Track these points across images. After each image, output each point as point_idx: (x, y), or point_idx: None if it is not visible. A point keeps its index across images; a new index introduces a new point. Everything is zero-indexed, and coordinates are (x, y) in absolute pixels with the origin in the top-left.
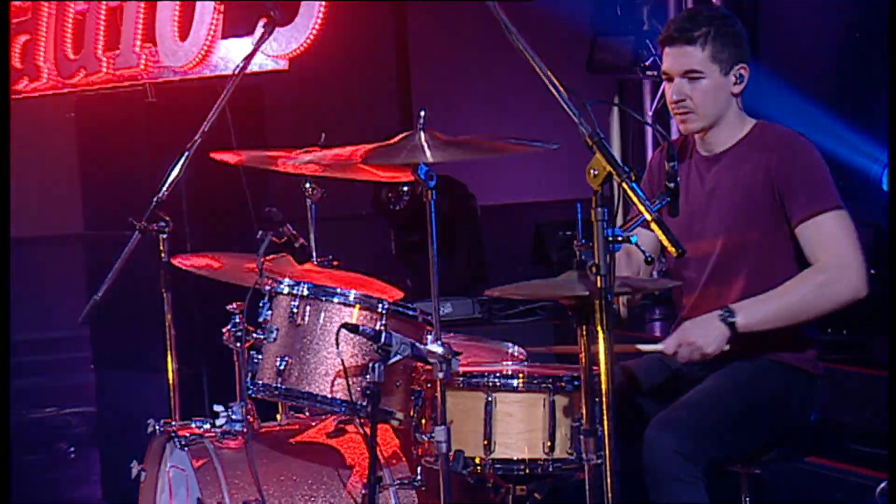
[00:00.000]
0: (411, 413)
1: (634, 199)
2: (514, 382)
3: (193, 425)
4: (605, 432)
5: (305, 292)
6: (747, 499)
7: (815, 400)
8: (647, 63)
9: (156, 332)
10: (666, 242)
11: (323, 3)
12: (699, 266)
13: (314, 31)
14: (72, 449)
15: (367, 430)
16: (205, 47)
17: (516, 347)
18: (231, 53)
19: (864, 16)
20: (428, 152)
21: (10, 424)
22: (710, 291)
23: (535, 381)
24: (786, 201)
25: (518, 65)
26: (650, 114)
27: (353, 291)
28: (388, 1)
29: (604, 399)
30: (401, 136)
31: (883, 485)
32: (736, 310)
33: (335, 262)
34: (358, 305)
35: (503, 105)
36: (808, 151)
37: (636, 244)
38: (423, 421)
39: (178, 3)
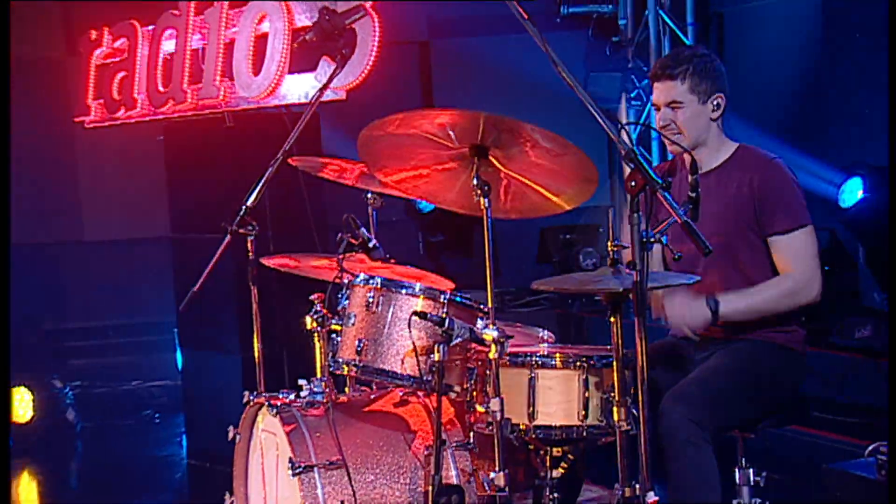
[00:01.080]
0: (465, 386)
1: (667, 205)
2: (553, 361)
3: (281, 396)
4: (641, 403)
5: (379, 284)
6: (742, 459)
7: (802, 376)
8: (632, 95)
9: (232, 319)
10: (696, 242)
11: (376, 44)
12: (692, 265)
13: (367, 67)
14: (157, 415)
15: (432, 401)
16: (274, 81)
17: (546, 331)
18: (291, 87)
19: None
20: None
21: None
22: (700, 285)
23: (571, 360)
24: (762, 215)
25: (531, 99)
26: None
27: (419, 284)
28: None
29: (639, 374)
30: None
31: (872, 446)
32: (719, 300)
33: (391, 260)
34: (422, 295)
35: None
36: (784, 173)
37: (667, 244)
38: (475, 393)
39: (251, 45)
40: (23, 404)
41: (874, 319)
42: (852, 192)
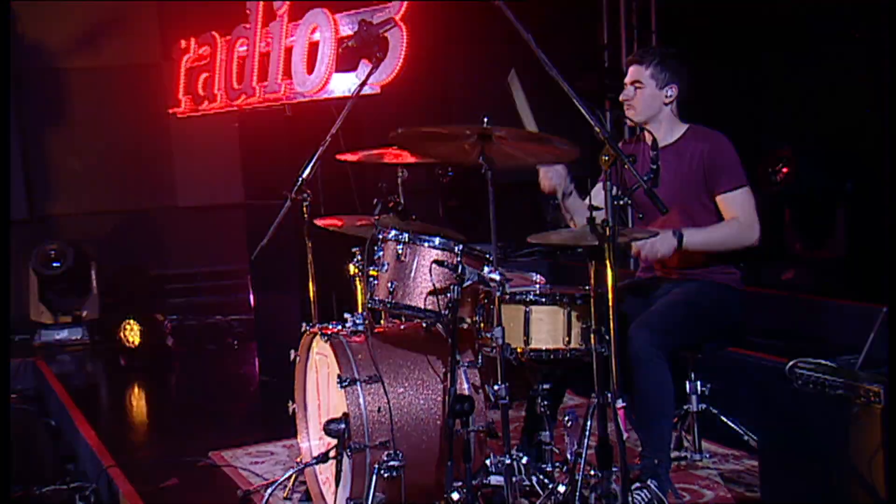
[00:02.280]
0: (474, 319)
1: (635, 175)
2: (543, 299)
3: (330, 326)
4: (612, 330)
5: (406, 239)
6: (692, 374)
7: (739, 308)
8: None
9: (292, 267)
10: (655, 204)
11: (404, 49)
12: (655, 220)
13: (398, 67)
14: (236, 342)
15: (449, 330)
16: (324, 79)
17: (539, 276)
18: (336, 84)
19: None
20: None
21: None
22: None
23: (557, 298)
24: (711, 179)
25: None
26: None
27: (438, 237)
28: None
29: (611, 309)
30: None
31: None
32: (683, 232)
33: (413, 218)
34: (441, 247)
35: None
36: (727, 144)
37: (632, 205)
38: (483, 324)
39: (306, 50)
40: (133, 333)
41: (795, 265)
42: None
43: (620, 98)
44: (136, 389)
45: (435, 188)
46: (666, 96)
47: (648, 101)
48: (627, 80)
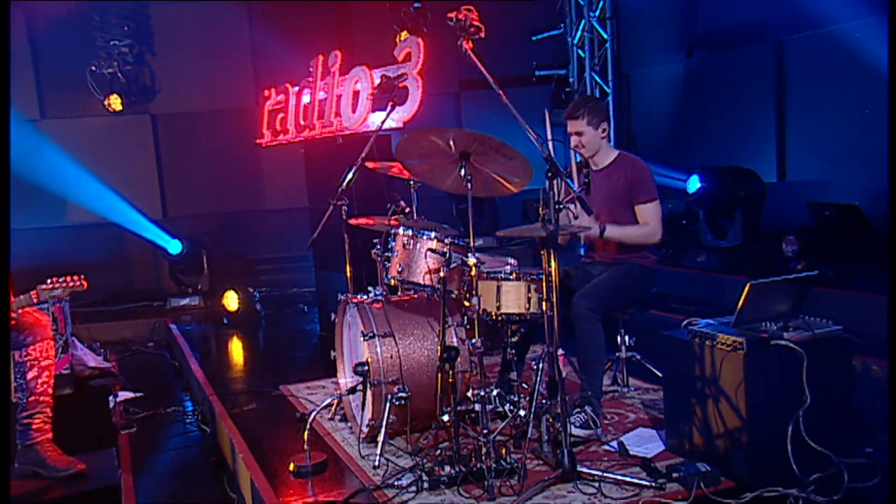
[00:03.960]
0: (461, 290)
1: (570, 187)
2: (512, 276)
3: (358, 296)
4: (555, 299)
5: (410, 233)
6: (622, 330)
7: (654, 282)
8: None
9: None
10: (584, 208)
11: (419, 95)
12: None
13: (415, 109)
14: (304, 307)
15: (441, 299)
16: (363, 116)
17: (513, 259)
18: (372, 119)
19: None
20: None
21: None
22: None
23: (521, 275)
24: (632, 192)
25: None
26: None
27: (434, 231)
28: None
29: (554, 284)
30: None
31: (686, 321)
32: (606, 226)
33: (416, 218)
34: (436, 239)
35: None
36: (644, 167)
37: (570, 209)
38: (467, 295)
39: (351, 96)
40: (232, 301)
41: (706, 251)
42: (693, 183)
43: (572, 145)
44: (233, 341)
45: (447, 195)
46: (602, 132)
47: (591, 141)
48: (571, 131)
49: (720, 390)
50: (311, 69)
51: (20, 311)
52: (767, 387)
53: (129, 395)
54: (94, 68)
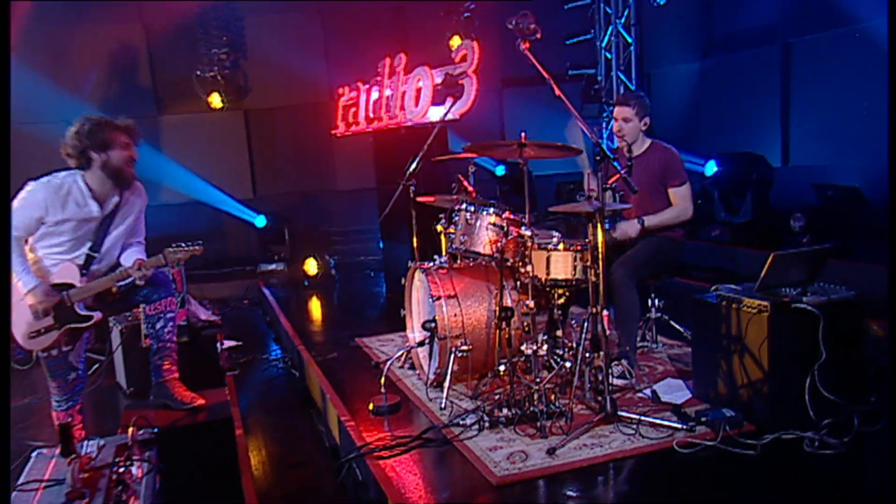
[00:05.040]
0: (516, 259)
1: (616, 168)
2: (560, 246)
3: (425, 263)
4: (601, 268)
5: (472, 208)
6: (652, 294)
7: (683, 252)
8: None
9: (405, 225)
10: (629, 187)
11: (473, 91)
12: (630, 199)
13: (470, 102)
14: (371, 273)
15: (499, 266)
16: (425, 110)
17: (557, 233)
18: (432, 113)
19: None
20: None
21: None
22: (636, 211)
23: (569, 246)
24: (665, 177)
25: (560, 118)
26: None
27: (492, 208)
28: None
29: (601, 254)
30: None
31: (714, 286)
32: (644, 218)
33: (476, 195)
34: (494, 213)
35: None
36: (675, 154)
37: (614, 189)
38: (520, 263)
39: (414, 92)
40: (311, 266)
41: (720, 226)
42: (711, 167)
43: (614, 129)
44: (313, 300)
45: (493, 178)
46: (643, 126)
47: (633, 130)
48: (617, 115)
49: (745, 347)
50: (379, 69)
51: (150, 269)
52: (787, 344)
53: (232, 343)
54: (198, 72)
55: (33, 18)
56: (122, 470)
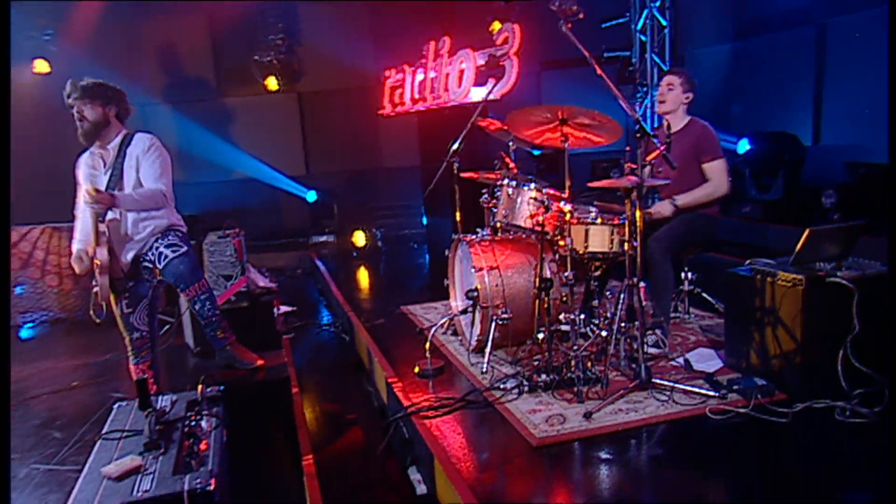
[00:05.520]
0: (555, 233)
1: (655, 144)
2: (598, 220)
3: (468, 236)
4: (640, 241)
5: (514, 184)
6: (685, 268)
7: (717, 228)
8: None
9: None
10: (668, 163)
11: (514, 73)
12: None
13: (511, 83)
14: (415, 245)
15: (539, 239)
16: (467, 90)
17: (595, 208)
18: (475, 93)
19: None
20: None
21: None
22: (672, 188)
23: (605, 220)
24: (700, 153)
25: (599, 97)
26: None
27: (533, 184)
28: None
29: (639, 228)
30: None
31: (749, 261)
32: (676, 198)
33: (517, 172)
34: (535, 188)
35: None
36: (710, 130)
37: (653, 164)
38: (560, 236)
39: (457, 73)
40: (359, 238)
41: (751, 203)
42: (743, 145)
43: (658, 93)
44: (361, 270)
45: (531, 157)
46: (686, 98)
47: (675, 98)
48: (663, 83)
49: (778, 319)
50: (424, 52)
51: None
52: (821, 317)
53: (287, 309)
54: (256, 57)
55: (105, 14)
56: (192, 424)
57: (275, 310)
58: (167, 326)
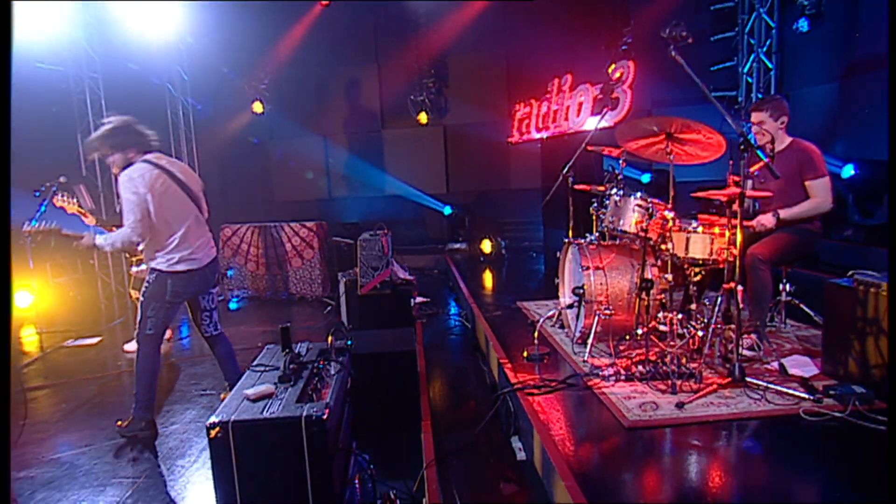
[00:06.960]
0: (658, 239)
1: (761, 156)
2: (700, 230)
3: (578, 240)
4: (739, 252)
5: (621, 192)
6: (784, 280)
7: (818, 243)
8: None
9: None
10: (772, 173)
11: (627, 104)
12: (770, 187)
13: (625, 112)
14: (534, 254)
15: (643, 244)
16: (585, 120)
17: (696, 219)
18: (590, 122)
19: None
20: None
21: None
22: (774, 204)
23: (708, 229)
24: (803, 171)
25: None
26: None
27: (639, 193)
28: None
29: (740, 234)
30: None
31: (850, 272)
32: (779, 212)
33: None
34: (641, 197)
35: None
36: (814, 149)
37: (757, 175)
38: (662, 242)
39: (577, 105)
40: (486, 246)
41: (853, 227)
42: (847, 170)
43: (753, 132)
44: (486, 272)
45: (639, 185)
46: (780, 124)
47: (771, 130)
48: (754, 120)
49: (880, 329)
50: (549, 88)
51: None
52: None
53: (422, 299)
54: (412, 97)
55: (293, 63)
56: (320, 367)
57: (412, 299)
58: (329, 307)
